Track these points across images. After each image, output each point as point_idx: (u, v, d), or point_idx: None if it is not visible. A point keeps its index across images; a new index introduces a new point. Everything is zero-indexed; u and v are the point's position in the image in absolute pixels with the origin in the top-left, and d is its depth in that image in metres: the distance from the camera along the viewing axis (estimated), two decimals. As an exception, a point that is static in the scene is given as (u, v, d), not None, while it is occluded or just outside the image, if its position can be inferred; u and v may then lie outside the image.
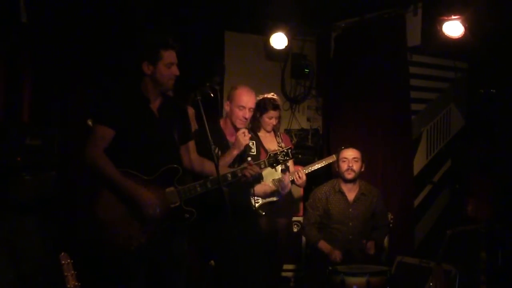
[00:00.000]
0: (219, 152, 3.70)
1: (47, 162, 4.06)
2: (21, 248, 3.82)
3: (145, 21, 4.89)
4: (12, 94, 4.39)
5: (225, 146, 3.78)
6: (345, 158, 4.72)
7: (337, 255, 4.51)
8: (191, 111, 3.49)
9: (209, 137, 3.14)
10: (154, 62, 3.14)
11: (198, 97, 3.20)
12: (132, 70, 3.28)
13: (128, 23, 4.83)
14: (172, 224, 3.16)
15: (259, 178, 4.17)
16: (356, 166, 4.68)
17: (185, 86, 3.56)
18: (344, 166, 4.71)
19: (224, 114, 3.94)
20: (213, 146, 3.10)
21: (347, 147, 4.79)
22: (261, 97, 4.74)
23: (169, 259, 3.20)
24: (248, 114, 3.79)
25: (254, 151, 4.03)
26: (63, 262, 2.73)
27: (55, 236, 4.00)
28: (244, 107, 3.76)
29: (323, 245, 4.63)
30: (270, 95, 4.75)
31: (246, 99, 3.78)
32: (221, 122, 3.90)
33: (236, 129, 3.80)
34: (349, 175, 4.69)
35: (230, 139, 3.83)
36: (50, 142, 4.11)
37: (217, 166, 3.09)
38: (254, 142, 4.04)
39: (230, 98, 3.84)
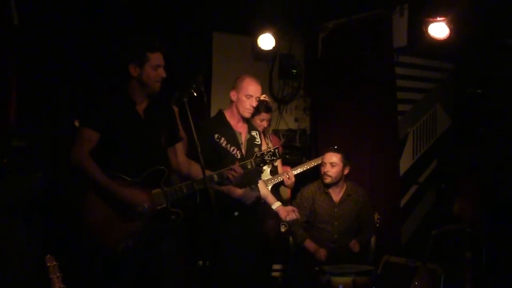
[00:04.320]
0: (225, 142, 3.77)
1: (33, 164, 4.05)
2: (7, 250, 3.81)
3: (133, 22, 4.89)
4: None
5: (232, 138, 3.83)
6: (324, 162, 4.75)
7: (322, 253, 4.55)
8: (174, 110, 3.50)
9: (195, 139, 3.15)
10: (141, 64, 3.14)
11: (185, 99, 3.21)
12: (119, 72, 3.28)
13: (115, 24, 4.82)
14: (159, 225, 3.17)
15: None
16: (333, 171, 4.69)
17: (173, 87, 3.57)
18: (322, 170, 4.75)
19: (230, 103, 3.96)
20: (199, 148, 3.11)
21: (329, 150, 4.80)
22: None
23: (157, 260, 3.21)
24: (255, 103, 3.84)
25: (258, 140, 4.03)
26: (49, 264, 2.74)
27: (41, 238, 3.99)
28: (251, 96, 3.82)
29: (309, 244, 4.67)
30: (262, 97, 4.76)
31: (253, 88, 3.84)
32: (227, 113, 3.93)
33: (243, 119, 3.89)
34: (325, 180, 4.73)
35: (237, 128, 3.89)
36: (36, 144, 4.11)
37: (203, 168, 3.10)
38: (257, 132, 4.07)
39: (237, 88, 3.87)
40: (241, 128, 3.93)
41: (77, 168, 3.05)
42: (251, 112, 3.88)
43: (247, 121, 4.01)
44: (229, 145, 3.80)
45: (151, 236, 3.12)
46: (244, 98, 3.82)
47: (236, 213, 3.81)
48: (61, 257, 2.78)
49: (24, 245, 3.90)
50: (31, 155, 4.06)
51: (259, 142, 4.03)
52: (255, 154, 3.54)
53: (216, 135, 3.78)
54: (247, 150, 3.87)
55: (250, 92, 3.82)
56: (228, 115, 3.92)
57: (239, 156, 3.77)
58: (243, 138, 3.92)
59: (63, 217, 4.35)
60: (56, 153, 4.38)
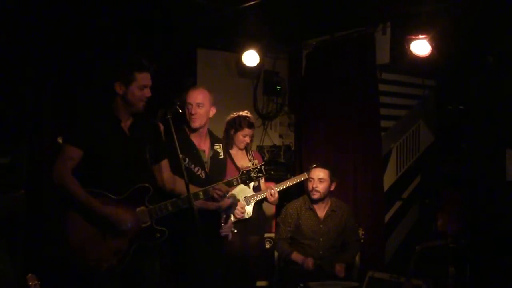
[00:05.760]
0: (190, 163, 3.68)
1: (15, 181, 4.01)
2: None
3: (119, 39, 4.89)
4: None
5: (196, 157, 3.74)
6: (312, 178, 4.77)
7: (309, 262, 4.56)
8: (160, 127, 3.50)
9: (180, 155, 3.15)
10: (127, 83, 3.14)
11: (169, 116, 3.21)
12: (104, 89, 3.27)
13: (100, 41, 4.82)
14: (143, 243, 3.15)
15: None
16: (321, 187, 4.73)
17: (157, 103, 3.58)
18: (310, 186, 4.78)
19: None
20: (183, 165, 3.11)
21: (316, 166, 4.83)
22: (235, 114, 4.76)
23: (141, 279, 3.19)
24: (195, 110, 3.68)
25: (222, 154, 3.94)
26: (30, 283, 2.70)
27: (22, 257, 3.94)
28: (191, 104, 3.70)
29: (296, 256, 4.68)
30: (244, 113, 4.76)
31: (191, 94, 3.72)
32: (187, 130, 3.83)
33: (191, 130, 3.73)
34: (314, 196, 4.75)
35: (200, 146, 3.78)
36: (19, 160, 4.07)
37: (187, 184, 3.10)
38: (221, 144, 3.95)
39: None
40: (204, 145, 3.82)
41: (59, 185, 3.03)
42: (196, 119, 3.70)
43: (210, 134, 3.90)
44: (193, 166, 3.70)
45: (135, 254, 3.10)
46: (186, 108, 3.71)
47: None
48: (43, 276, 2.75)
49: (6, 263, 3.84)
50: (13, 172, 4.01)
51: (223, 156, 3.93)
52: (241, 171, 3.54)
53: (180, 156, 3.64)
54: (211, 167, 3.79)
55: (188, 100, 3.71)
56: (189, 132, 3.80)
57: (203, 176, 3.70)
58: (206, 155, 3.82)
59: (45, 235, 4.30)
60: (39, 170, 4.35)
